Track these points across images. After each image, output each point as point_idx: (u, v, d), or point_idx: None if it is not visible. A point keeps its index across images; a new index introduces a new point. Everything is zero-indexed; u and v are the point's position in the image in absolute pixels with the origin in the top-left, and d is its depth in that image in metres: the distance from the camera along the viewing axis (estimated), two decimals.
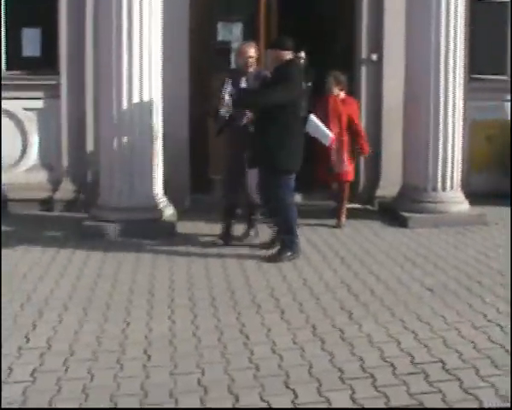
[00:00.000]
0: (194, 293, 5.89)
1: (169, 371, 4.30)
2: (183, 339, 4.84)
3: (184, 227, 8.13)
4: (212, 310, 5.47)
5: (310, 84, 8.04)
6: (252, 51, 7.46)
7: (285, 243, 6.98)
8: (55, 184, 9.46)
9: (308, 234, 8.03)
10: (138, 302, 5.63)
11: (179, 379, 4.20)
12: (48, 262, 6.81)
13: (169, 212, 8.17)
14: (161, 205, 8.08)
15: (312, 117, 7.57)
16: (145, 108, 7.86)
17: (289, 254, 6.93)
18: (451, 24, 8.53)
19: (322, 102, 8.43)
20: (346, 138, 8.49)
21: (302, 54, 9.55)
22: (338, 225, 8.50)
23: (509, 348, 4.66)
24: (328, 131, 7.65)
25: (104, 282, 6.18)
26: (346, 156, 8.50)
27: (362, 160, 9.74)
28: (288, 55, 6.91)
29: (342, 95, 8.64)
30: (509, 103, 10.42)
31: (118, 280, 6.24)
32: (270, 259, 6.90)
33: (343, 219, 8.60)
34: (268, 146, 6.78)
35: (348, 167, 8.58)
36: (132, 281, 6.22)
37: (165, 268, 6.64)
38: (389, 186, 9.34)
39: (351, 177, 8.73)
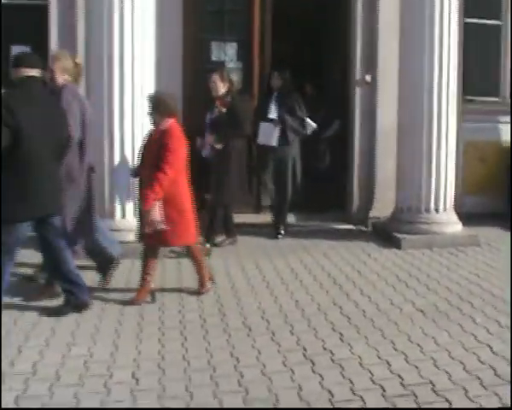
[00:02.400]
0: (185, 315, 5.87)
1: (157, 395, 4.29)
2: (172, 362, 4.83)
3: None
4: (202, 333, 5.46)
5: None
6: None
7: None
8: None
9: (300, 254, 8.04)
10: (128, 325, 5.61)
11: (167, 403, 4.19)
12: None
13: None
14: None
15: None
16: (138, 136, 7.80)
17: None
18: (445, 46, 8.55)
19: None
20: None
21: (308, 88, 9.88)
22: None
23: (497, 368, 4.67)
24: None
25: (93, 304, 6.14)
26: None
27: (355, 180, 9.79)
28: (31, 72, 5.68)
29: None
30: (504, 125, 10.45)
31: (108, 302, 6.22)
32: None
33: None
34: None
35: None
36: (121, 303, 6.20)
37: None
38: (383, 207, 9.33)
39: (173, 240, 6.37)
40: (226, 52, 10.00)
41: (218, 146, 8.00)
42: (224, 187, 8.07)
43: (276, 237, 8.86)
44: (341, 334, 5.40)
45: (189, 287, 6.60)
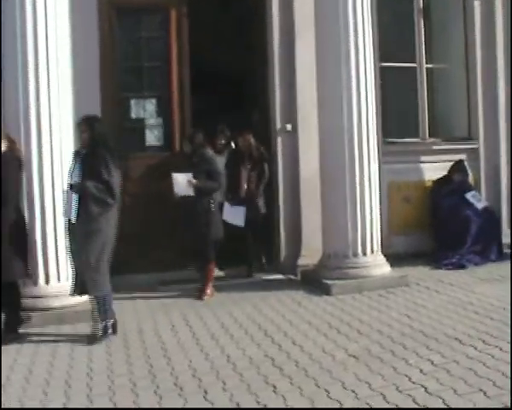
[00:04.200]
0: (114, 380, 5.67)
1: None
2: None
3: None
4: (132, 397, 5.27)
5: None
6: None
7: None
8: None
9: (230, 308, 7.92)
10: (53, 395, 5.38)
11: None
12: None
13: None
14: None
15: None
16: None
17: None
18: (362, 91, 8.68)
19: None
20: None
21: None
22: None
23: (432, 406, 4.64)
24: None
25: (19, 374, 5.89)
26: None
27: (282, 229, 9.77)
28: None
29: None
30: (425, 164, 10.65)
31: (32, 372, 5.97)
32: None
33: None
34: None
35: None
36: (47, 372, 5.96)
37: (83, 356, 6.39)
38: (311, 255, 9.31)
39: None
40: (146, 108, 9.94)
41: None
42: None
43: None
44: (275, 386, 5.29)
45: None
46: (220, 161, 9.47)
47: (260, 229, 9.56)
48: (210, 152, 8.80)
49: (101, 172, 6.63)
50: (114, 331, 6.94)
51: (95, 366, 6.07)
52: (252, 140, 9.65)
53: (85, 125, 6.89)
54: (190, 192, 8.40)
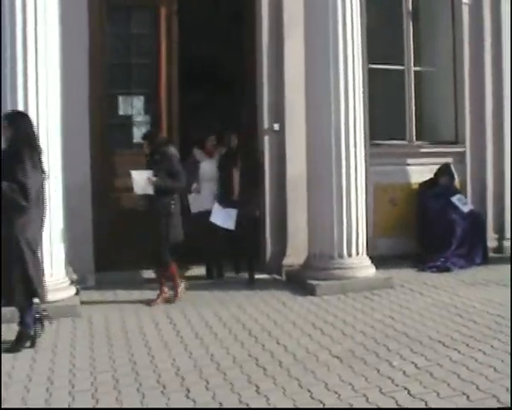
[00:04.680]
0: (97, 377, 5.65)
1: None
2: None
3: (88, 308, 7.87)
4: (115, 394, 5.25)
5: None
6: None
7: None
8: None
9: (214, 307, 7.92)
10: (35, 392, 5.33)
11: None
12: None
13: (70, 293, 7.90)
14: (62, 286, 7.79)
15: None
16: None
17: None
18: (350, 93, 8.69)
19: None
20: None
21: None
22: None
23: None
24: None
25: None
26: None
27: (268, 228, 9.76)
28: None
29: None
30: (412, 167, 10.68)
31: (14, 367, 5.92)
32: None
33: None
34: None
35: None
36: (30, 367, 5.92)
37: (66, 352, 6.37)
38: (296, 255, 9.33)
39: None
40: (133, 106, 9.92)
41: None
42: None
43: None
44: (257, 386, 5.28)
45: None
46: (211, 164, 9.47)
47: (251, 232, 9.31)
48: (172, 150, 8.44)
49: (17, 173, 6.12)
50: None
51: (77, 362, 6.04)
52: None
53: (9, 122, 6.44)
54: (150, 190, 8.11)
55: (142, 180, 8.15)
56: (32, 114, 7.45)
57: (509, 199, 10.64)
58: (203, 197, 9.33)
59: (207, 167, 9.50)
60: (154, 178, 8.10)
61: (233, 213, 9.03)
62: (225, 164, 9.41)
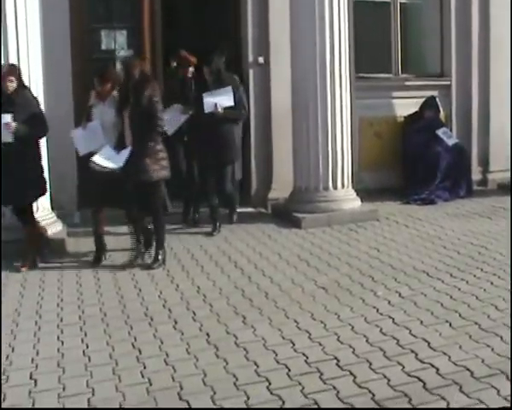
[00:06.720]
0: (85, 310, 5.70)
1: (57, 394, 4.13)
2: (73, 359, 4.66)
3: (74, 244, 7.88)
4: (103, 326, 5.30)
5: None
6: None
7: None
8: None
9: (200, 240, 7.95)
10: (24, 325, 5.39)
11: (67, 401, 4.04)
12: None
13: (57, 228, 7.90)
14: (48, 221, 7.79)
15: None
16: None
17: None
18: (335, 25, 8.61)
19: None
20: None
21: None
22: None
23: (399, 338, 4.73)
24: None
25: None
26: None
27: (253, 162, 9.75)
28: None
29: None
30: (397, 100, 10.65)
31: (3, 302, 5.96)
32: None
33: None
34: None
35: None
36: (19, 303, 5.97)
37: (54, 287, 6.41)
38: (282, 188, 9.32)
39: None
40: (116, 40, 9.78)
41: None
42: None
43: None
44: (244, 317, 5.35)
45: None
46: None
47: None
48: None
49: None
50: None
51: (65, 296, 6.09)
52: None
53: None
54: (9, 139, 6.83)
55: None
56: (11, 49, 7.39)
57: (509, 134, 10.55)
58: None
59: None
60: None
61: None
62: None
